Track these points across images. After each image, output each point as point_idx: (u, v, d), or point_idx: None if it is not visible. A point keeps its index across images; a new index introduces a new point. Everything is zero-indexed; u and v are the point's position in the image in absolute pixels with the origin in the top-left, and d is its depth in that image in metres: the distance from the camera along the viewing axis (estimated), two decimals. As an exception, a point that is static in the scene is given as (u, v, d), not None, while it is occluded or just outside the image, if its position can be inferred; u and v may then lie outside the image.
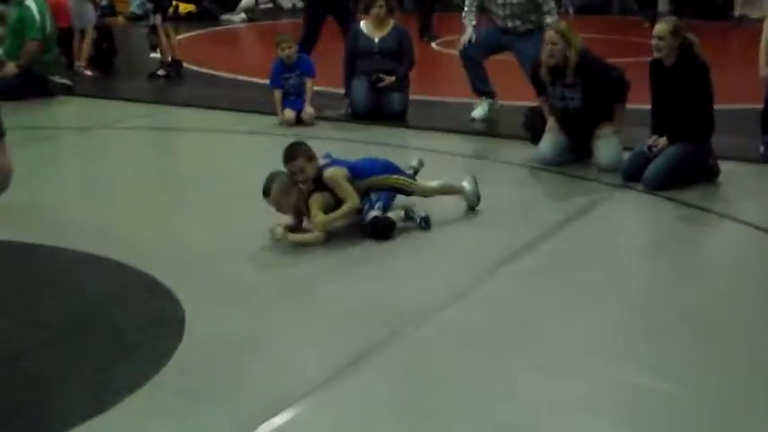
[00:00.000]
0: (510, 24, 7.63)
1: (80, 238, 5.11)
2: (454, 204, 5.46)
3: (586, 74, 6.45)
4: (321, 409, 3.46)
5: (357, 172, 5.21)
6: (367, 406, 3.46)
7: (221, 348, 3.88)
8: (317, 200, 5.12)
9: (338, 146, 5.55)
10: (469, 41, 7.77)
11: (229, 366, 3.74)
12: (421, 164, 5.73)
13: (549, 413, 3.38)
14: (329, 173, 5.12)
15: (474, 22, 7.82)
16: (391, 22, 8.15)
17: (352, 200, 5.12)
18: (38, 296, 4.44)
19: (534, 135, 6.85)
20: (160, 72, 10.43)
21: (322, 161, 5.20)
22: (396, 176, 5.32)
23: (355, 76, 8.10)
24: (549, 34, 6.51)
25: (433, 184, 5.46)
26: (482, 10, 7.82)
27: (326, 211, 5.11)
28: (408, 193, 5.37)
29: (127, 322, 4.14)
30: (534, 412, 3.38)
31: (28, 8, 9.42)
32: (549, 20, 7.40)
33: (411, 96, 8.20)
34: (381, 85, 7.99)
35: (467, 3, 7.82)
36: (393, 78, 7.99)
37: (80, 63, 10.64)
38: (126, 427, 3.31)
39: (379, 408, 3.44)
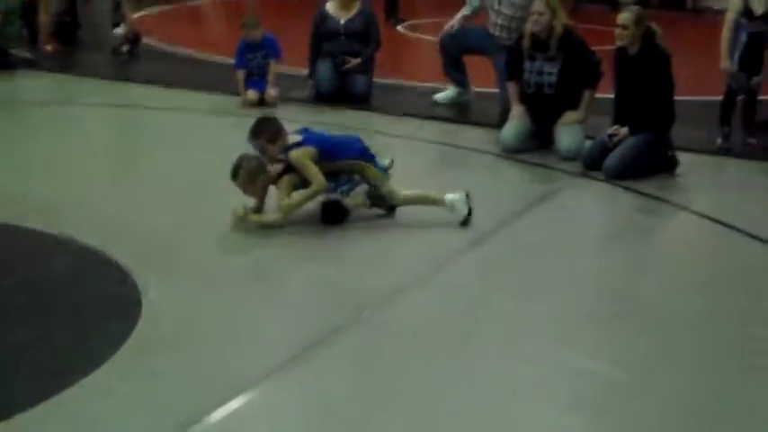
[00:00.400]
0: (497, 33, 7.61)
1: (35, 215, 5.07)
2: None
3: (569, 48, 6.52)
4: (279, 393, 3.47)
5: (329, 152, 5.11)
6: (325, 389, 3.48)
7: (179, 330, 3.88)
8: (283, 183, 5.09)
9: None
10: (451, 28, 7.80)
11: (186, 348, 3.74)
12: (391, 163, 5.47)
13: (502, 399, 3.43)
14: (294, 155, 5.06)
15: (466, 14, 7.84)
16: (357, 4, 8.12)
17: (317, 183, 5.06)
18: (-8, 275, 4.40)
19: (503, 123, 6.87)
20: (124, 48, 10.31)
21: (293, 137, 5.14)
22: (367, 165, 5.14)
23: (320, 57, 8.07)
24: (536, 4, 6.54)
25: (406, 192, 5.20)
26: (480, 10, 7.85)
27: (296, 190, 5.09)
28: (374, 187, 5.15)
29: (84, 303, 4.13)
30: (488, 398, 3.42)
31: (-11, -20, 9.28)
32: None
33: (375, 79, 8.19)
34: (346, 67, 7.98)
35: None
36: (358, 61, 7.98)
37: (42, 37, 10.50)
38: (81, 407, 3.30)
39: (336, 391, 3.47)
